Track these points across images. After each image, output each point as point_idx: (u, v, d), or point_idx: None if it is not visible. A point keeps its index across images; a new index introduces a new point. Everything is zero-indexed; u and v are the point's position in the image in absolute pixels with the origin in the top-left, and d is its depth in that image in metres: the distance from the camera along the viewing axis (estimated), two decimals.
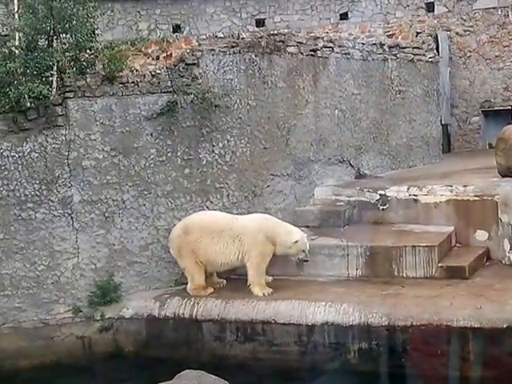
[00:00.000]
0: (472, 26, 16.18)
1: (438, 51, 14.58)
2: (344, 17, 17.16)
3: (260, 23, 17.32)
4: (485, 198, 9.35)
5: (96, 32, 9.71)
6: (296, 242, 8.41)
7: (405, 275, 8.68)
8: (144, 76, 9.31)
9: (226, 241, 8.50)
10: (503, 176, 9.87)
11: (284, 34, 10.77)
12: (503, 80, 15.81)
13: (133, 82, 9.17)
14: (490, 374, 7.14)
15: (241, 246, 8.48)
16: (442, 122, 14.74)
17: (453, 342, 7.31)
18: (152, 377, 6.99)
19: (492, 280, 8.41)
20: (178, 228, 8.75)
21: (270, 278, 8.80)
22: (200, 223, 8.68)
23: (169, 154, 9.27)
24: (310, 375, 7.62)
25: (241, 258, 8.52)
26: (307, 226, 9.68)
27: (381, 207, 10.04)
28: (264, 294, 8.38)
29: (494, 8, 15.93)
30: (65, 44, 9.19)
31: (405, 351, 7.48)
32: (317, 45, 10.97)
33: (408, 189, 10.03)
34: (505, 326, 7.15)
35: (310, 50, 10.83)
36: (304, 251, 8.47)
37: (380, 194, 10.09)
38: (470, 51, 16.22)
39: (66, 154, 8.78)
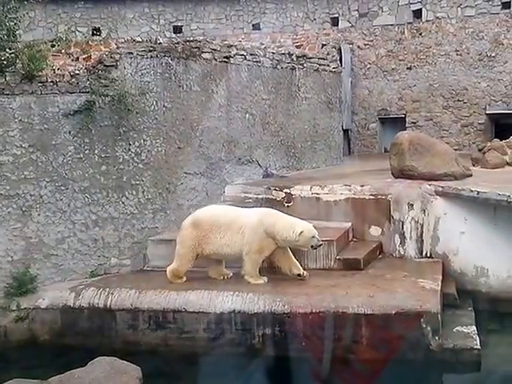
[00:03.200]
0: (372, 41, 16.73)
1: (341, 62, 14.95)
2: (256, 27, 17.42)
3: (177, 30, 17.32)
4: (379, 197, 9.63)
5: (16, 32, 9.40)
6: (301, 232, 8.07)
7: (306, 266, 8.74)
8: (63, 76, 9.08)
9: (231, 233, 8.18)
10: (396, 177, 10.19)
11: (199, 41, 10.78)
12: (398, 91, 16.40)
13: (52, 82, 8.93)
14: (380, 355, 7.33)
15: (243, 238, 8.17)
16: (343, 128, 15.15)
17: (348, 327, 7.44)
18: (66, 364, 6.81)
19: (384, 271, 8.67)
20: (189, 221, 8.41)
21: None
22: (210, 218, 8.34)
23: (86, 152, 9.09)
24: (216, 359, 7.62)
25: (242, 249, 8.22)
26: None
27: (286, 204, 10.13)
28: (264, 281, 8.23)
29: (391, 25, 16.54)
30: None
31: (305, 336, 7.56)
32: (230, 52, 11.04)
33: (311, 188, 10.19)
34: (393, 312, 7.36)
35: (224, 57, 10.89)
36: (314, 237, 8.09)
37: (285, 192, 10.22)
38: (370, 63, 16.76)
39: None
